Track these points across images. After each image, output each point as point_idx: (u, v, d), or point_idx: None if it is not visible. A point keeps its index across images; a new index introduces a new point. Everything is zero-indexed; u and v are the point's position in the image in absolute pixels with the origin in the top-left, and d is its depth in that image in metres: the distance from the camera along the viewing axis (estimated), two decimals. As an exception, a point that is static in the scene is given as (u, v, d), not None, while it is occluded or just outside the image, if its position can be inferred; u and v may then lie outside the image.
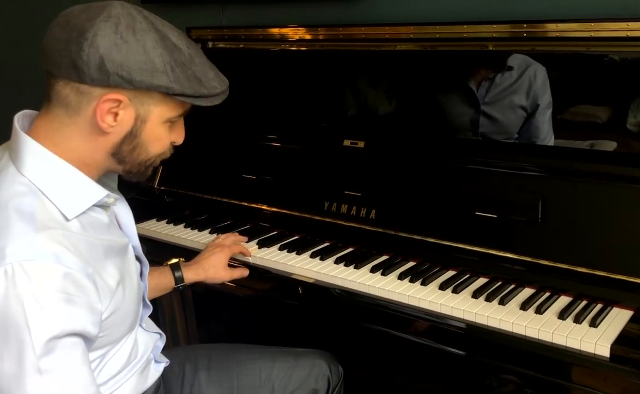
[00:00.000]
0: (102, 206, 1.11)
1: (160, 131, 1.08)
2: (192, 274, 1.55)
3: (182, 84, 1.02)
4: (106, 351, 1.14)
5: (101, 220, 1.11)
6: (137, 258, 1.26)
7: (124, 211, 1.22)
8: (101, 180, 1.12)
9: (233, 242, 1.66)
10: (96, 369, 1.12)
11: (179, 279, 1.53)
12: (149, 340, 1.31)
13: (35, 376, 0.92)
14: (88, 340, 1.01)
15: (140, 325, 1.29)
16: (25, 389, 0.92)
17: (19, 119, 1.06)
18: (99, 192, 1.08)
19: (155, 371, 1.33)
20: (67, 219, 1.02)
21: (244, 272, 1.63)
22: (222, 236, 1.70)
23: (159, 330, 1.37)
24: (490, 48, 1.60)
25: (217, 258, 1.59)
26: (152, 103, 1.04)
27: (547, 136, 1.52)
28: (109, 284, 1.06)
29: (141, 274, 1.29)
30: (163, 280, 1.52)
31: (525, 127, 1.56)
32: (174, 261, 1.57)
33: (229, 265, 1.61)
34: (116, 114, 1.01)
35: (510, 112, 1.57)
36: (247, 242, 1.72)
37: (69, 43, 0.97)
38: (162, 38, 1.01)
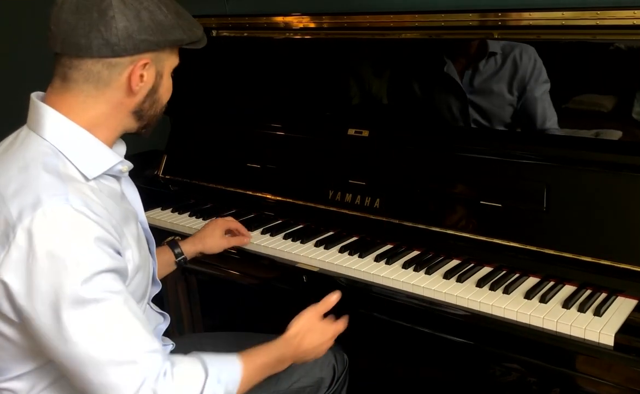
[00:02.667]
0: (115, 176, 1.18)
1: (169, 82, 1.19)
2: (189, 246, 1.60)
3: (187, 33, 1.15)
4: None
5: (115, 189, 1.17)
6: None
7: (130, 188, 1.28)
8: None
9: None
10: None
11: (178, 254, 1.57)
12: (154, 319, 1.33)
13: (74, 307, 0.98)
14: (124, 276, 1.07)
15: (148, 303, 1.30)
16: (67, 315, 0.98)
17: (35, 96, 1.13)
18: (114, 157, 1.15)
19: None
20: (87, 179, 1.09)
21: (243, 239, 1.67)
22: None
23: (162, 311, 1.38)
24: (496, 36, 1.59)
25: (212, 228, 1.65)
26: (165, 57, 1.14)
27: (550, 114, 1.50)
28: (125, 246, 1.11)
29: (149, 252, 1.30)
30: (164, 257, 1.55)
31: (523, 107, 1.54)
32: (170, 238, 1.61)
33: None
34: (142, 76, 1.11)
35: (507, 99, 1.56)
36: (251, 230, 1.73)
37: (96, 25, 1.05)
38: (154, 1, 1.10)
